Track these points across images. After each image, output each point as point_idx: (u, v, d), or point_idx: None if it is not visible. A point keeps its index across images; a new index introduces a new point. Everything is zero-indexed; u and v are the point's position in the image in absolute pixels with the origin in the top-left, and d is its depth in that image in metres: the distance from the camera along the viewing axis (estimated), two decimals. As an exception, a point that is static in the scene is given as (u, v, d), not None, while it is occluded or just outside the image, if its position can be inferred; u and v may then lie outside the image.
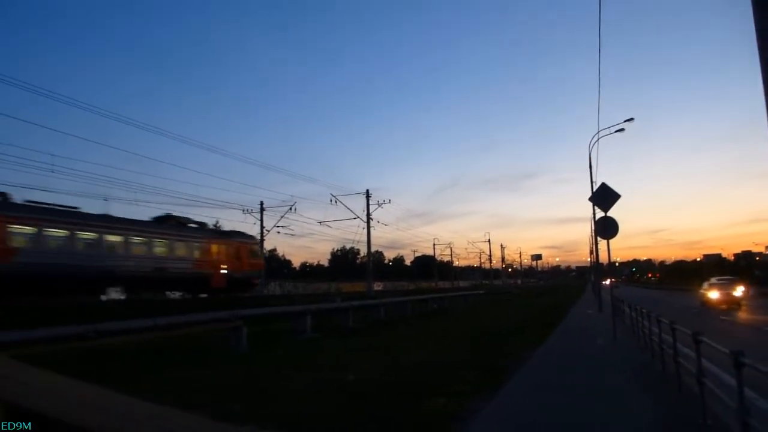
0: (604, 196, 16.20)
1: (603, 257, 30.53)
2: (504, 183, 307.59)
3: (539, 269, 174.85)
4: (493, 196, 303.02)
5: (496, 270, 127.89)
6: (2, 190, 23.49)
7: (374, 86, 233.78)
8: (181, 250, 30.40)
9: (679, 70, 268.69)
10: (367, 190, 49.28)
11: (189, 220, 33.37)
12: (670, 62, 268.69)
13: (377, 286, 56.10)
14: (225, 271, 33.03)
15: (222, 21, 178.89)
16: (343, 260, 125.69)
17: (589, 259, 67.99)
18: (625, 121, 27.39)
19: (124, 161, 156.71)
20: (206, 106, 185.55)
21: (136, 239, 27.34)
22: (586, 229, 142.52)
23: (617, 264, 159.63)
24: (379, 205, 49.42)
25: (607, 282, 38.11)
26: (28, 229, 23.13)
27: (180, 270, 29.57)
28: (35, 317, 15.41)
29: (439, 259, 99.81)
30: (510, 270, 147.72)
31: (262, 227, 48.84)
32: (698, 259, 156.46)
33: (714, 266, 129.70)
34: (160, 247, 28.90)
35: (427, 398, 7.68)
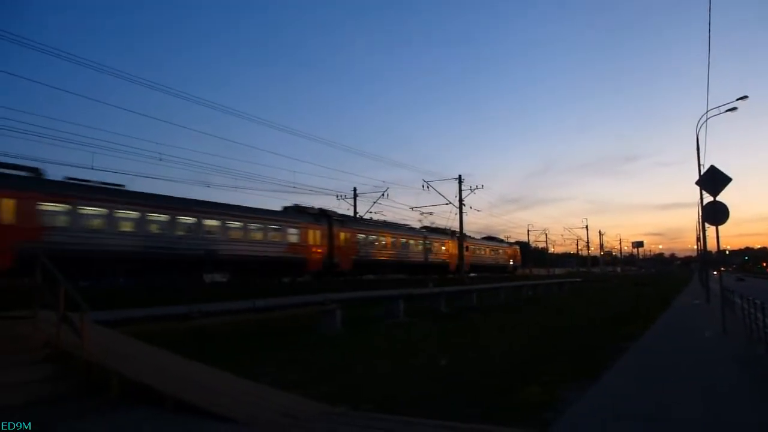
0: (713, 180, 15.18)
1: (711, 245, 28.76)
2: (602, 167, 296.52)
3: (641, 257, 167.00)
4: (591, 181, 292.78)
5: (594, 257, 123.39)
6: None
7: (466, 70, 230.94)
8: (499, 251, 64.11)
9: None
10: (460, 176, 48.79)
11: (496, 237, 69.65)
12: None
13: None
14: (512, 263, 67.67)
15: (311, 6, 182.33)
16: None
17: (695, 247, 64.27)
18: (738, 99, 25.47)
19: (224, 149, 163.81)
20: (299, 93, 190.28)
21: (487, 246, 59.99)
22: (693, 215, 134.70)
23: (727, 252, 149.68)
24: (472, 190, 48.78)
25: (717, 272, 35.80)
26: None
27: (500, 262, 62.70)
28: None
29: (533, 245, 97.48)
30: (609, 257, 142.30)
31: (355, 213, 49.52)
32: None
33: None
34: (494, 251, 61.96)
35: (520, 386, 7.55)
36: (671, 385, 7.94)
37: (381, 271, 39.99)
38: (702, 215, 19.62)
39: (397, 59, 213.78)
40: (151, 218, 24.26)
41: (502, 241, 72.24)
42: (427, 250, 46.46)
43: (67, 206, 21.45)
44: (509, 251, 70.05)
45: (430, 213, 52.80)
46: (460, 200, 48.08)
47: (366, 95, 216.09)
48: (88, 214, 22.10)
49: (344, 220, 38.75)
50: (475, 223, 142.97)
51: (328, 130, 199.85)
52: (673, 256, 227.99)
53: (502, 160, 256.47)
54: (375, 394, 7.21)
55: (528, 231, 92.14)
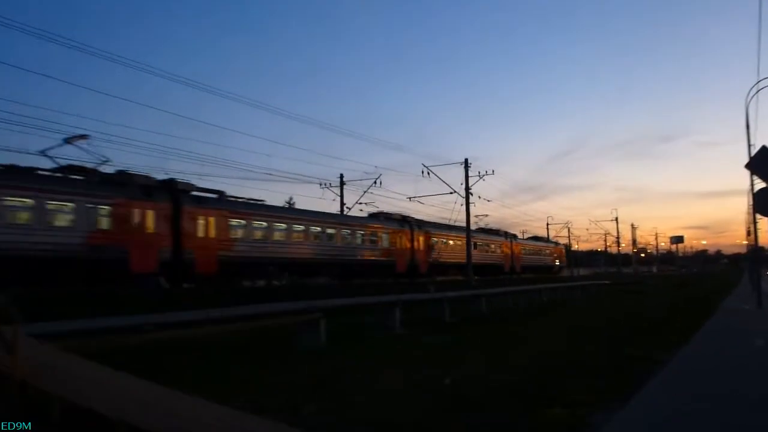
0: (766, 162, 15.29)
1: (764, 240, 28.89)
2: (635, 148, 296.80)
3: (680, 254, 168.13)
4: (622, 165, 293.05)
5: (626, 255, 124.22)
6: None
7: (472, 37, 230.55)
8: (546, 251, 78.78)
9: None
10: (466, 159, 48.92)
11: (542, 237, 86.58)
12: None
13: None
14: (558, 263, 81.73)
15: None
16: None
17: (745, 242, 64.73)
18: (795, 65, 25.70)
19: (185, 129, 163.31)
20: (276, 66, 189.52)
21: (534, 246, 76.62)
22: (742, 205, 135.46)
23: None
24: (481, 176, 48.92)
25: None
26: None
27: (546, 262, 78.20)
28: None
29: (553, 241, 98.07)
30: (643, 255, 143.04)
31: (342, 203, 49.54)
32: None
33: None
34: (541, 251, 77.53)
35: (538, 407, 7.58)
36: (717, 404, 8.01)
37: (450, 273, 50.17)
38: (753, 204, 19.69)
39: (388, 24, 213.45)
40: (294, 229, 35.65)
41: (548, 240, 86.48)
42: (485, 252, 59.39)
43: (244, 221, 32.38)
44: (555, 251, 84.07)
45: (485, 215, 67.53)
46: (467, 188, 48.32)
47: (355, 67, 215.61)
48: (256, 227, 33.04)
49: (421, 224, 49.03)
50: (486, 215, 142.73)
51: (309, 107, 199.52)
52: (718, 252, 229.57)
53: (517, 142, 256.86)
54: (363, 419, 7.21)
55: (547, 225, 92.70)
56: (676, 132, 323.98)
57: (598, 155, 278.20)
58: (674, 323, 19.52)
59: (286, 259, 34.19)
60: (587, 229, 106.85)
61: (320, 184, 49.29)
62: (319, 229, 37.81)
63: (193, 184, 30.50)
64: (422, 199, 51.32)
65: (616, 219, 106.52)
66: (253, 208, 33.67)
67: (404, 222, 47.79)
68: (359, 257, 41.43)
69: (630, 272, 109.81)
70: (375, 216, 46.96)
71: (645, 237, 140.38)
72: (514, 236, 68.88)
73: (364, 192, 48.41)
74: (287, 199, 57.62)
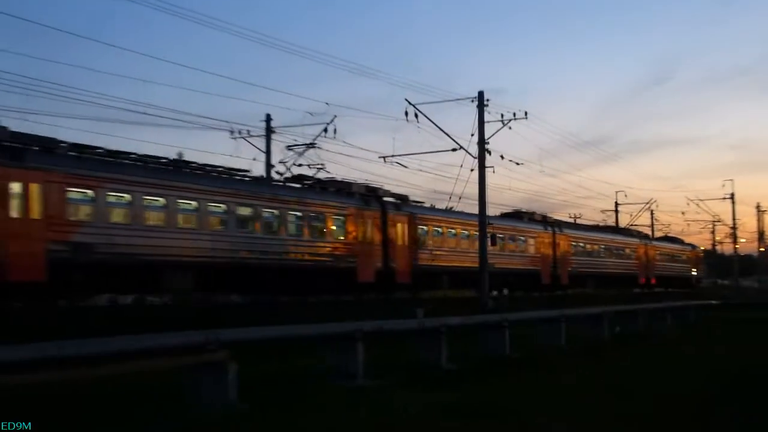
0: None
1: None
2: (762, 78, 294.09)
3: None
4: (741, 107, 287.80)
5: (747, 257, 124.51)
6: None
7: None
8: (681, 257, 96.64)
9: None
10: (481, 93, 47.19)
11: (677, 238, 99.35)
12: None
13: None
14: (695, 272, 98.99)
15: None
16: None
17: None
18: None
19: (16, 42, 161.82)
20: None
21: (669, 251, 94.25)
22: None
23: None
24: (504, 123, 47.32)
25: None
26: None
27: (683, 271, 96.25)
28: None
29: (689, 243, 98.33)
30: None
31: (268, 163, 48.27)
32: None
33: None
34: (675, 257, 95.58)
35: None
36: None
37: (588, 285, 67.87)
38: None
39: None
40: (462, 234, 52.95)
41: (682, 242, 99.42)
42: (619, 258, 76.59)
43: (426, 227, 49.45)
44: (692, 256, 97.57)
45: (615, 210, 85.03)
46: (482, 139, 46.42)
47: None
48: (434, 234, 50.83)
49: (560, 225, 65.39)
50: (513, 187, 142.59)
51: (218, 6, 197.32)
52: None
53: (569, 69, 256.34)
54: None
55: (616, 205, 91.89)
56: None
57: (700, 90, 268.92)
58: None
59: (451, 268, 50.13)
60: (682, 213, 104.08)
61: (231, 132, 48.09)
62: (472, 232, 51.48)
63: (387, 189, 46.64)
64: (406, 160, 49.94)
65: (732, 197, 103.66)
66: (431, 212, 50.89)
67: (546, 223, 63.98)
68: (511, 266, 56.63)
69: (755, 286, 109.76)
70: (515, 215, 62.15)
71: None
72: (647, 236, 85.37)
73: (308, 146, 47.07)
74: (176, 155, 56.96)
